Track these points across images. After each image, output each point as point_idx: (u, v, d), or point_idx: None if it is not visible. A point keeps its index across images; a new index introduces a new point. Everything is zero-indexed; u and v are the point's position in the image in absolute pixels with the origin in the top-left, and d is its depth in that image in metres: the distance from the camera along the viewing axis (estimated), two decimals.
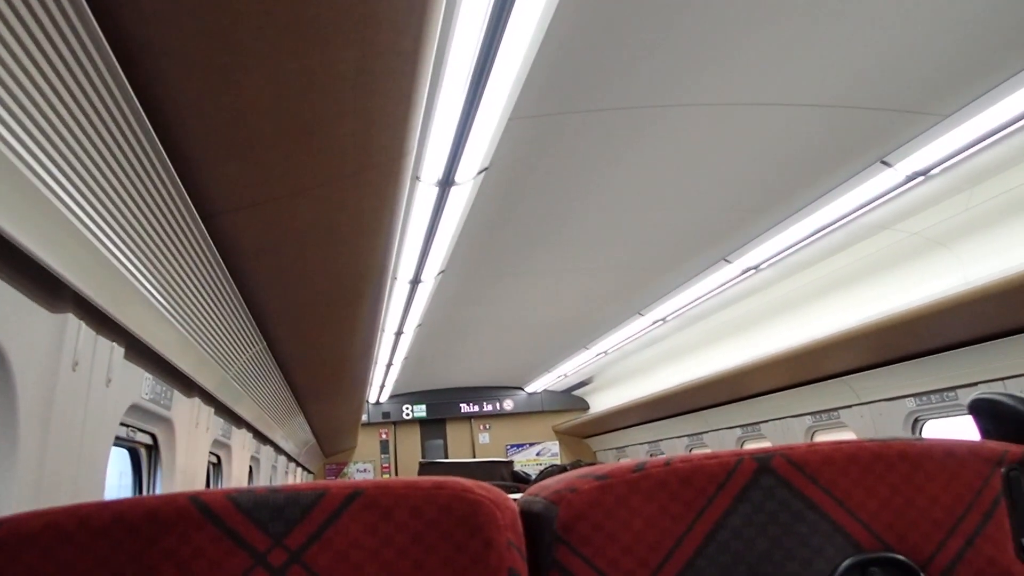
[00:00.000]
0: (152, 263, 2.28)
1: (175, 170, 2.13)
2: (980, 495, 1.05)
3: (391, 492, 0.95)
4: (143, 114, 1.83)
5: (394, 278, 5.23)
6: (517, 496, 1.18)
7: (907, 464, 1.05)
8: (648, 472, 1.02)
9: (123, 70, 1.65)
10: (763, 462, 1.03)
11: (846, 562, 0.99)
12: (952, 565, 1.02)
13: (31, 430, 1.90)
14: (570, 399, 13.30)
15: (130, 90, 1.72)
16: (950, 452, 1.06)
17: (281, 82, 1.89)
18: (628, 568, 0.97)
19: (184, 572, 0.88)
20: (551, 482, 1.06)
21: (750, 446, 7.74)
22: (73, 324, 2.05)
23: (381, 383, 11.07)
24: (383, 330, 6.72)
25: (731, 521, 1.00)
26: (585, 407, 13.12)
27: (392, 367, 9.68)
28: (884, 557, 1.00)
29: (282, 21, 1.65)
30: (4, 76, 1.34)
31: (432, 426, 13.75)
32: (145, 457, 3.41)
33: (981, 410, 1.18)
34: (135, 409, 2.84)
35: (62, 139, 1.58)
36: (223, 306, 3.18)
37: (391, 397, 13.17)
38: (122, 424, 2.82)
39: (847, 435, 6.13)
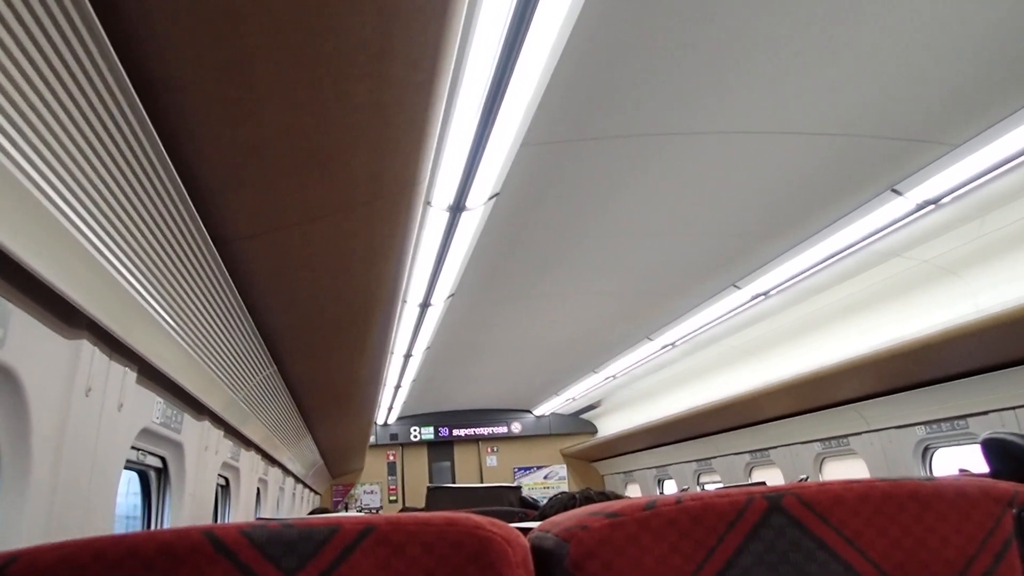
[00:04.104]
0: (166, 288, 2.30)
1: (190, 198, 2.16)
2: (991, 536, 1.05)
3: (403, 528, 0.96)
4: (160, 144, 1.85)
5: (404, 301, 5.24)
6: (529, 525, 1.18)
7: (918, 504, 1.05)
8: (659, 510, 1.02)
9: (141, 101, 1.68)
10: (774, 501, 1.04)
11: None
12: None
13: (44, 455, 1.92)
14: (578, 423, 13.26)
15: (148, 121, 1.74)
16: (961, 492, 1.06)
17: (296, 114, 1.91)
18: None
19: None
20: (562, 518, 1.07)
21: (759, 472, 7.72)
22: (87, 349, 2.06)
23: (389, 405, 11.06)
24: (392, 353, 6.72)
25: (742, 560, 1.01)
26: (593, 431, 13.07)
27: (400, 389, 9.67)
28: None
29: (298, 55, 1.68)
30: (25, 108, 1.37)
31: (439, 448, 13.71)
32: (155, 480, 3.41)
33: (992, 449, 1.18)
34: (146, 433, 2.86)
35: (80, 169, 1.60)
36: (234, 331, 3.20)
37: (399, 419, 13.16)
38: (132, 447, 2.83)
39: (857, 462, 6.10)
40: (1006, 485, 1.09)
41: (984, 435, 1.20)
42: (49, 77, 1.38)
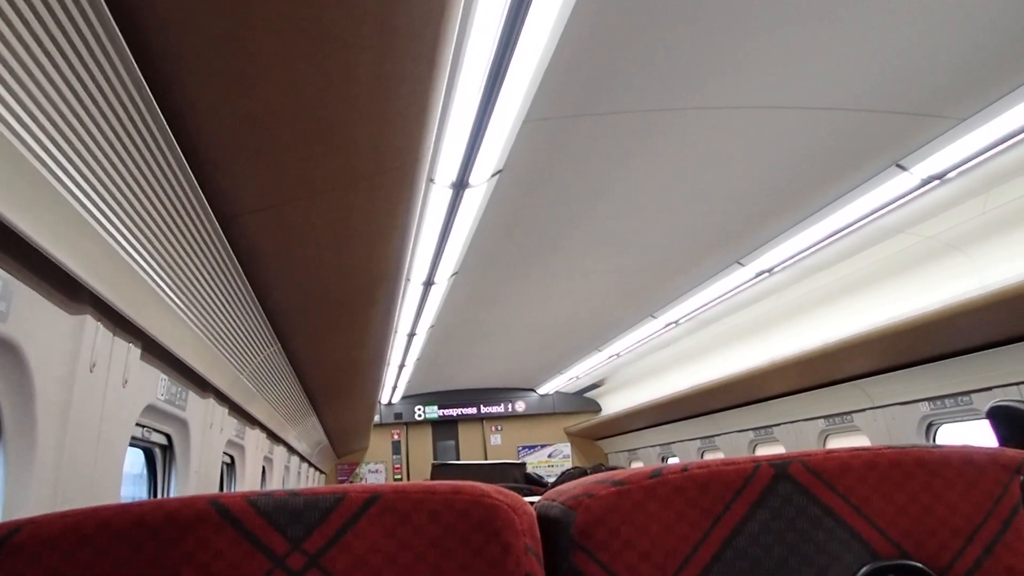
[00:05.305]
0: (169, 264, 2.30)
1: (193, 173, 2.15)
2: (999, 503, 1.04)
3: (409, 496, 0.96)
4: (163, 118, 1.84)
5: (407, 280, 5.24)
6: (533, 499, 1.18)
7: (925, 471, 1.04)
8: (665, 478, 1.02)
9: (144, 75, 1.67)
10: (780, 468, 1.03)
11: (864, 569, 0.99)
12: (970, 573, 1.01)
13: (49, 431, 1.92)
14: (582, 401, 13.29)
15: (150, 95, 1.73)
16: (969, 460, 1.06)
17: (298, 86, 1.90)
18: (645, 574, 0.97)
19: (203, 575, 0.89)
20: (568, 487, 1.06)
21: (762, 450, 7.75)
22: (91, 325, 2.06)
23: (394, 384, 11.09)
24: (396, 331, 6.73)
25: (748, 527, 1.00)
26: (597, 409, 13.10)
27: (405, 368, 9.69)
28: (902, 564, 1.00)
29: (300, 27, 1.66)
30: (27, 81, 1.36)
31: (444, 427, 13.77)
32: (160, 457, 3.42)
33: (999, 417, 1.17)
34: (151, 409, 2.86)
35: (83, 143, 1.59)
36: (238, 307, 3.19)
37: (403, 398, 13.20)
38: (137, 424, 2.84)
39: (860, 439, 6.11)
40: (1013, 452, 1.09)
41: (991, 404, 1.19)
42: (51, 50, 1.37)
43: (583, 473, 2.38)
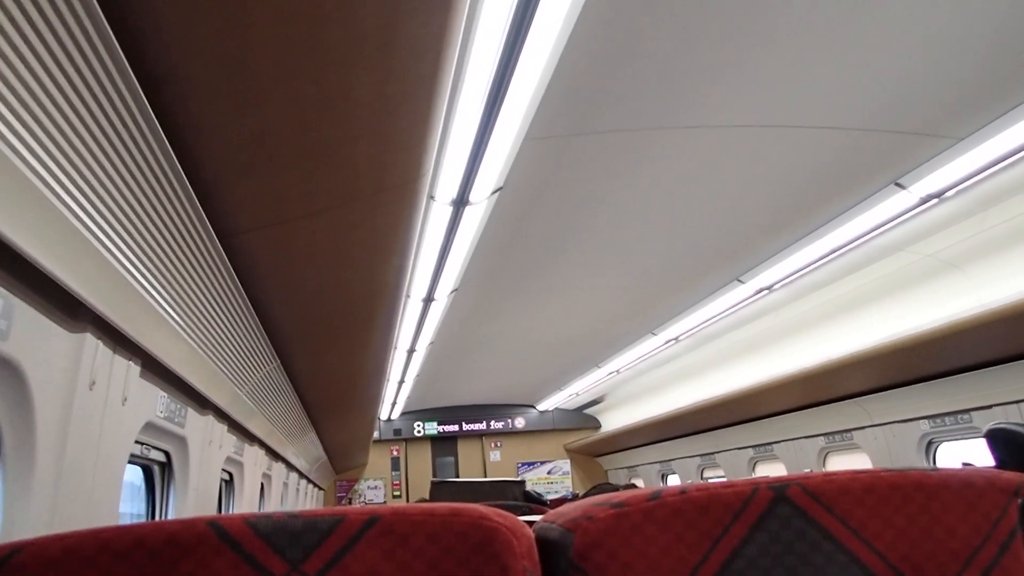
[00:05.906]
0: (169, 282, 2.30)
1: (194, 191, 2.15)
2: (997, 526, 1.04)
3: (408, 519, 0.96)
4: (164, 137, 1.85)
5: (407, 296, 5.24)
6: (533, 518, 1.18)
7: (924, 494, 1.05)
8: (664, 500, 1.02)
9: (145, 94, 1.68)
10: (779, 491, 1.03)
11: None
12: None
13: (48, 449, 1.92)
14: (582, 417, 13.26)
15: (152, 113, 1.74)
16: (967, 482, 1.06)
17: (299, 106, 1.91)
18: None
19: None
20: (567, 509, 1.06)
21: (762, 467, 7.72)
22: (91, 343, 2.06)
23: (393, 400, 11.06)
24: (396, 348, 6.72)
25: (747, 550, 1.00)
26: (597, 426, 13.07)
27: (404, 384, 9.67)
28: None
29: (302, 47, 1.67)
30: (29, 101, 1.36)
31: (443, 443, 13.73)
32: (159, 474, 3.41)
33: (997, 439, 1.17)
34: (149, 427, 2.85)
35: (84, 162, 1.60)
36: (238, 324, 3.19)
37: (403, 414, 13.17)
38: (136, 441, 2.83)
39: (860, 456, 6.09)
40: (1012, 475, 1.09)
41: (989, 426, 1.19)
42: (53, 70, 1.38)
43: (614, 490, 2.37)
